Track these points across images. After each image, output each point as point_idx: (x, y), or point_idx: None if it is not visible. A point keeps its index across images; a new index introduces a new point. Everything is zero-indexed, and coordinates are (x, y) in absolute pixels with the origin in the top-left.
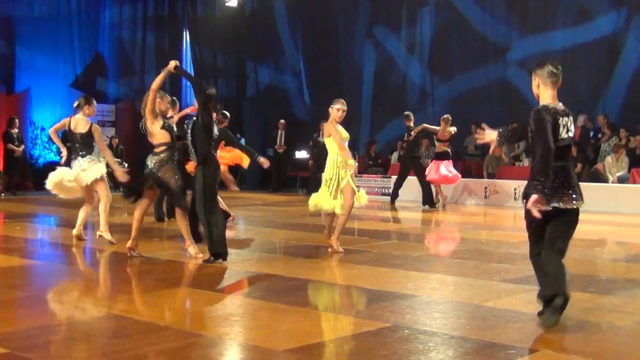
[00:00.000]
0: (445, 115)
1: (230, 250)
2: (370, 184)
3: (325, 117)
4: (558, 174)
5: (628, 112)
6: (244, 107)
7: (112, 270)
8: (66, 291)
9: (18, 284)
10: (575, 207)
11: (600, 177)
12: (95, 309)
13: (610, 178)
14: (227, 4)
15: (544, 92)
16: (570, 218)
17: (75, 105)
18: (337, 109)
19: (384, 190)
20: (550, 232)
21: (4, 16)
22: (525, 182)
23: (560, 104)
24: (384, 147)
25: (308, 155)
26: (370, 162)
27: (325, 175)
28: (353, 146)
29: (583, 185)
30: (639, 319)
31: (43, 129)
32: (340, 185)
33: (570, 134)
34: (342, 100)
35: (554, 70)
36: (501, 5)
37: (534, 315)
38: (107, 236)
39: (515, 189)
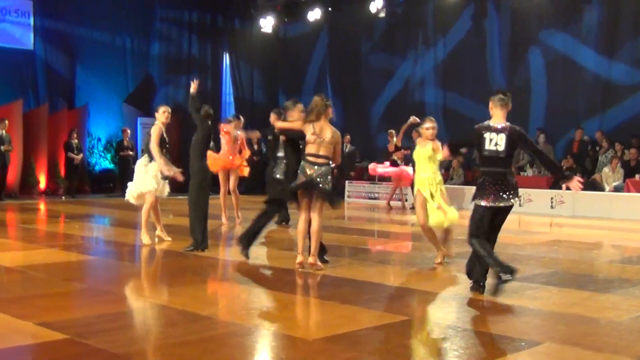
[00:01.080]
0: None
1: (266, 249)
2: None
3: (349, 130)
4: (495, 178)
5: (623, 127)
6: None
7: (159, 265)
8: (118, 284)
9: (76, 277)
10: (509, 205)
11: (597, 187)
12: (145, 299)
13: (607, 187)
14: (262, 30)
15: (495, 112)
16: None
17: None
18: (427, 128)
19: (406, 197)
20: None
21: (67, 36)
22: (528, 190)
23: (503, 124)
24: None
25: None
26: None
27: (417, 190)
28: (376, 157)
29: (582, 194)
30: (634, 315)
31: (99, 140)
32: (436, 200)
33: (499, 148)
34: (431, 117)
35: (503, 97)
36: (506, 20)
37: (538, 311)
38: (145, 239)
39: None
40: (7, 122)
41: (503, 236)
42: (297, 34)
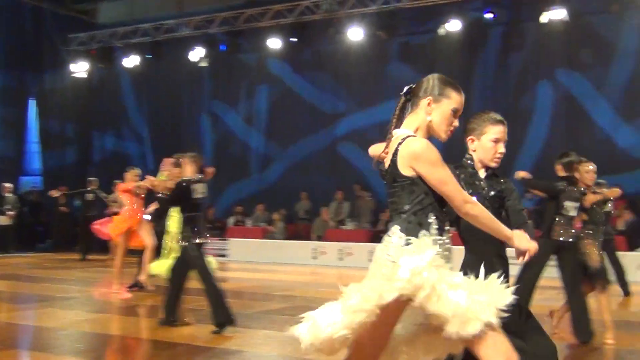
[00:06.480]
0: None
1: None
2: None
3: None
4: None
5: None
6: (89, 173)
7: None
8: None
9: None
10: None
11: None
12: None
13: None
14: (74, 75)
15: None
16: None
17: None
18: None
19: (221, 252)
20: None
21: None
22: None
23: None
24: (223, 211)
25: None
26: (210, 226)
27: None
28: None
29: None
30: None
31: None
32: None
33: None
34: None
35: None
36: (329, 80)
37: None
38: None
39: (340, 250)
40: None
41: (321, 291)
42: (113, 76)
